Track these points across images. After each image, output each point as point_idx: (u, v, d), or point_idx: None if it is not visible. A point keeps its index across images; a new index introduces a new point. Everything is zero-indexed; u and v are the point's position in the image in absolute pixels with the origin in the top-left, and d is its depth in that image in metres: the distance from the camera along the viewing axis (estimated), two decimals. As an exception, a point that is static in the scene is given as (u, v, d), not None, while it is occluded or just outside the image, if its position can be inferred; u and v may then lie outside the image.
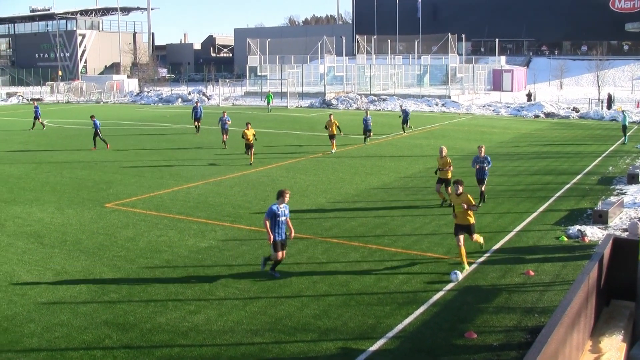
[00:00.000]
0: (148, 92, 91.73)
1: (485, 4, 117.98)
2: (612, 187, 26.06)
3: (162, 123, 54.00)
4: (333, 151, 35.28)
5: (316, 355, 11.65)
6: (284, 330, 12.60)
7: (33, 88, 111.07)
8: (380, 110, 66.27)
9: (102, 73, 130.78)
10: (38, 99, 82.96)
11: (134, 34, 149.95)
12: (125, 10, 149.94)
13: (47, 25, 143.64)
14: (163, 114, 64.61)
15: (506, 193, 25.01)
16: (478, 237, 16.60)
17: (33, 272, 15.94)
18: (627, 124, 40.49)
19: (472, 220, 16.16)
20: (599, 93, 72.23)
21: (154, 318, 13.13)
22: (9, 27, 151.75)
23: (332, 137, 35.61)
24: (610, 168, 30.50)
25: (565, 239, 18.72)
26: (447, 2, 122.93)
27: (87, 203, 23.50)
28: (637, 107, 62.90)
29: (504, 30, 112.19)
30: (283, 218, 15.29)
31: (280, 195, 15.35)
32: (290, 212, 15.78)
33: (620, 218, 20.86)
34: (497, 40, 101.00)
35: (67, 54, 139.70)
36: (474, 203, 16.10)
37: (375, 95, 76.80)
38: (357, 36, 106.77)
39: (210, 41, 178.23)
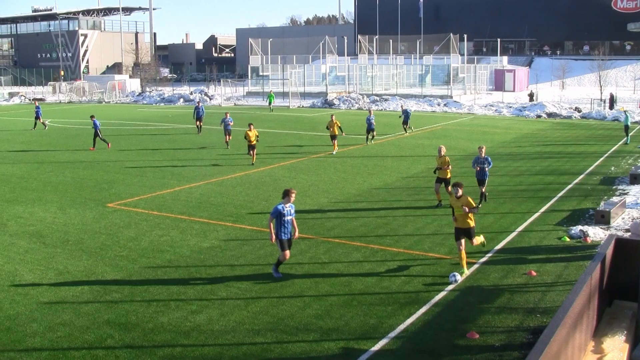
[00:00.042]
0: (150, 92, 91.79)
1: (487, 4, 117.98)
2: (614, 187, 26.04)
3: (164, 123, 54.03)
4: (334, 152, 35.21)
5: (318, 355, 11.65)
6: (285, 330, 12.60)
7: (35, 88, 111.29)
8: (382, 110, 66.23)
9: (104, 73, 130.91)
10: (40, 99, 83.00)
11: (136, 34, 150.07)
12: (127, 10, 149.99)
13: (49, 25, 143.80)
14: (165, 114, 64.63)
15: (508, 193, 24.99)
16: (478, 240, 16.44)
17: (35, 271, 15.96)
18: (629, 124, 40.46)
19: (472, 223, 15.95)
20: (601, 93, 72.24)
21: (156, 318, 13.14)
22: (11, 27, 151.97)
23: (333, 137, 35.48)
24: (613, 168, 30.48)
25: (568, 239, 18.70)
26: (449, 2, 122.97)
27: (89, 203, 23.52)
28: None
29: (505, 30, 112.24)
30: (289, 217, 15.23)
31: (286, 194, 15.29)
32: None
33: (623, 218, 20.84)
34: (499, 40, 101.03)
35: (69, 54, 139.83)
36: (474, 205, 15.94)
37: (377, 95, 76.81)
38: (359, 36, 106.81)
39: (212, 41, 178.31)
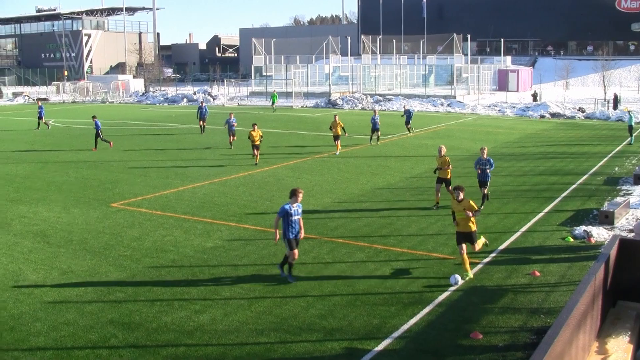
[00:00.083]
0: (153, 92, 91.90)
1: (491, 4, 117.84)
2: (618, 187, 26.00)
3: (167, 123, 54.08)
4: (337, 152, 35.14)
5: (321, 355, 11.65)
6: (289, 330, 12.61)
7: (39, 88, 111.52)
8: (385, 110, 66.20)
9: (107, 73, 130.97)
10: (44, 99, 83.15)
11: (140, 34, 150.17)
12: (131, 10, 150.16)
13: (53, 25, 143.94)
14: (168, 114, 64.69)
15: (512, 193, 24.97)
16: (480, 243, 16.22)
17: (39, 271, 15.99)
18: (633, 124, 40.40)
19: (473, 227, 15.73)
20: (605, 93, 72.13)
21: (159, 317, 13.15)
22: (14, 27, 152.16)
23: (336, 138, 35.38)
24: (617, 168, 30.44)
25: (571, 239, 18.68)
26: (453, 2, 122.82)
27: (93, 202, 23.55)
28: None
29: (509, 30, 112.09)
30: (296, 217, 15.11)
31: (293, 194, 15.17)
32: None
33: (627, 219, 20.82)
34: (502, 40, 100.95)
35: (73, 54, 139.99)
36: (476, 209, 15.75)
37: (380, 95, 76.79)
38: (363, 36, 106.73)
39: (215, 41, 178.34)
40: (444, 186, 22.58)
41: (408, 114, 44.20)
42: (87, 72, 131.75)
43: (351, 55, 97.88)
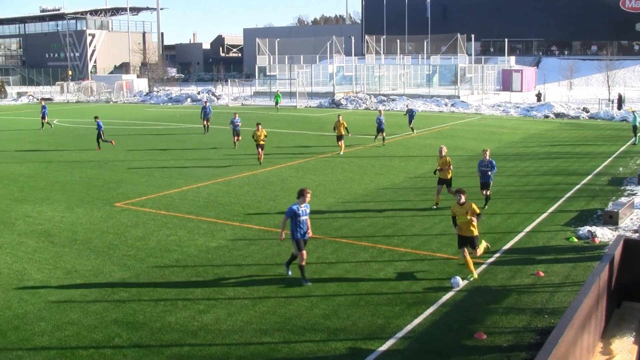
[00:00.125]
0: (157, 91, 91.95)
1: (495, 4, 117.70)
2: (622, 187, 25.95)
3: (171, 123, 54.12)
4: (341, 153, 35.08)
5: (325, 355, 11.65)
6: (293, 330, 12.61)
7: (43, 88, 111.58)
8: (389, 110, 66.16)
9: (111, 73, 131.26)
10: (48, 99, 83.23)
11: (144, 33, 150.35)
12: (135, 10, 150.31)
13: (57, 25, 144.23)
14: (172, 113, 64.75)
15: (516, 193, 24.94)
16: (481, 248, 16.09)
17: (43, 270, 16.01)
18: (637, 124, 40.27)
19: (475, 232, 15.56)
20: (609, 93, 72.00)
21: (163, 317, 13.16)
22: (19, 27, 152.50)
23: (339, 138, 35.31)
24: (621, 169, 30.39)
25: (576, 239, 18.65)
26: (457, 2, 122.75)
27: (97, 202, 23.58)
28: (648, 107, 62.65)
29: (513, 30, 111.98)
30: (304, 217, 15.00)
31: (301, 194, 15.08)
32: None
33: (631, 219, 20.78)
34: (506, 40, 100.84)
35: (77, 54, 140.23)
36: (478, 212, 15.58)
37: (384, 95, 76.75)
38: (366, 36, 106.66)
39: (219, 41, 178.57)
40: (444, 186, 22.54)
41: (410, 114, 44.13)
42: (91, 72, 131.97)
43: (355, 55, 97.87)
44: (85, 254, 17.41)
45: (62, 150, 37.45)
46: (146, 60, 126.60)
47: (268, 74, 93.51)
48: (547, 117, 58.49)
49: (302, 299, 14.13)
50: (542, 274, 15.64)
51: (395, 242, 18.39)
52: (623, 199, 22.43)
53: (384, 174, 29.24)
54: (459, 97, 73.86)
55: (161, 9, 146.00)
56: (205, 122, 45.03)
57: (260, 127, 31.53)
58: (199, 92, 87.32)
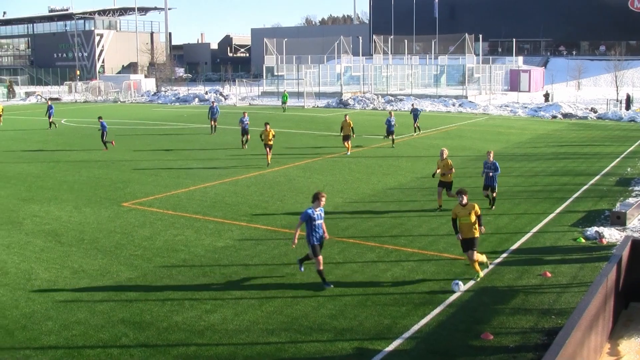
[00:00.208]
0: (165, 91, 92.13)
1: (503, 4, 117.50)
2: (630, 188, 25.86)
3: (179, 123, 54.21)
4: (348, 153, 35.01)
5: (332, 355, 11.65)
6: (300, 330, 12.61)
7: (51, 87, 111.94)
8: (397, 110, 66.10)
9: (119, 72, 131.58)
10: (56, 99, 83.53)
11: (152, 33, 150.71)
12: (143, 10, 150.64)
13: (66, 25, 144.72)
14: (180, 113, 64.86)
15: (523, 194, 24.88)
16: (480, 257, 15.52)
17: (51, 270, 16.05)
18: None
19: (477, 233, 15.25)
20: (617, 93, 71.80)
21: (170, 317, 13.18)
22: (27, 27, 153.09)
23: (346, 138, 35.20)
24: (629, 169, 30.28)
25: (583, 240, 18.60)
26: (464, 2, 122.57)
27: (105, 202, 23.63)
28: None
29: (521, 31, 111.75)
30: (319, 222, 14.71)
31: (316, 198, 14.77)
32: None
33: (639, 220, 20.70)
34: (514, 40, 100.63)
35: (85, 54, 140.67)
36: (479, 213, 15.33)
37: (392, 95, 76.69)
38: (374, 36, 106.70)
39: (227, 41, 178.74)
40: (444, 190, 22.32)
41: (415, 113, 44.00)
42: (99, 72, 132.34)
43: (363, 55, 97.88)
44: (92, 253, 17.45)
45: (70, 150, 37.56)
46: (154, 60, 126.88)
47: (276, 74, 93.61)
48: (555, 117, 58.34)
49: (308, 299, 14.13)
50: (549, 274, 15.60)
51: (402, 243, 18.37)
52: (631, 200, 22.35)
53: (391, 174, 29.22)
54: (466, 97, 73.75)
55: (169, 9, 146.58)
56: (212, 122, 45.09)
57: (268, 126, 31.38)
58: (206, 92, 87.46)
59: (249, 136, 36.92)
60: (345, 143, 35.21)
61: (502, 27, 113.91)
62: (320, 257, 14.73)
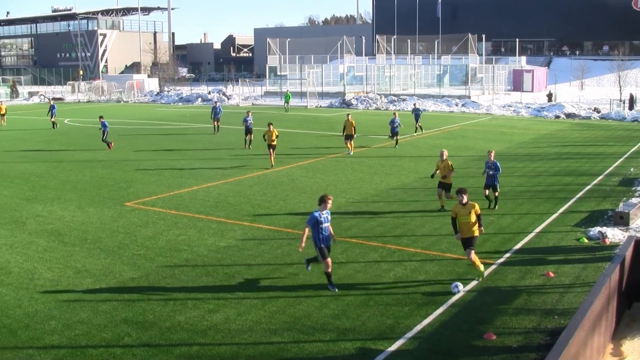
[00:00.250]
0: (168, 91, 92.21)
1: (506, 4, 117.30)
2: (633, 188, 25.82)
3: (182, 122, 54.24)
4: (351, 153, 34.96)
5: (335, 355, 11.64)
6: (302, 329, 12.61)
7: (54, 87, 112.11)
8: (400, 110, 66.06)
9: (122, 72, 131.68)
10: (59, 99, 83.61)
11: (155, 33, 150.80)
12: (146, 10, 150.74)
13: (69, 25, 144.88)
14: (183, 113, 64.90)
15: (526, 194, 24.86)
16: (477, 260, 15.20)
17: (54, 269, 16.07)
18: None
19: (476, 232, 15.18)
20: (621, 93, 71.70)
21: (173, 317, 13.19)
22: (31, 27, 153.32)
23: (349, 138, 35.13)
24: (632, 169, 30.24)
25: (586, 240, 18.58)
26: (467, 2, 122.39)
27: (108, 202, 23.66)
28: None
29: (524, 30, 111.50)
30: (326, 224, 14.57)
31: (323, 201, 14.62)
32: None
33: (642, 220, 20.67)
34: (517, 40, 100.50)
35: (88, 54, 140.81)
36: (479, 212, 15.24)
37: (394, 95, 76.67)
38: (377, 36, 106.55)
39: (230, 41, 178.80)
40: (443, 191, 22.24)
41: (417, 113, 43.94)
42: (102, 72, 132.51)
43: (366, 55, 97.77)
44: (95, 253, 17.47)
45: (73, 150, 37.61)
46: (157, 60, 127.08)
47: (279, 73, 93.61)
48: (558, 117, 58.28)
49: (311, 299, 14.13)
50: (552, 274, 15.59)
51: (405, 243, 18.37)
52: (634, 200, 22.32)
53: (394, 174, 29.21)
54: (469, 97, 73.72)
55: (172, 9, 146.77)
56: (215, 122, 45.11)
57: (272, 127, 31.16)
58: (209, 91, 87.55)
59: (252, 135, 36.98)
60: (347, 143, 35.17)
61: (505, 27, 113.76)
62: (329, 260, 14.62)
